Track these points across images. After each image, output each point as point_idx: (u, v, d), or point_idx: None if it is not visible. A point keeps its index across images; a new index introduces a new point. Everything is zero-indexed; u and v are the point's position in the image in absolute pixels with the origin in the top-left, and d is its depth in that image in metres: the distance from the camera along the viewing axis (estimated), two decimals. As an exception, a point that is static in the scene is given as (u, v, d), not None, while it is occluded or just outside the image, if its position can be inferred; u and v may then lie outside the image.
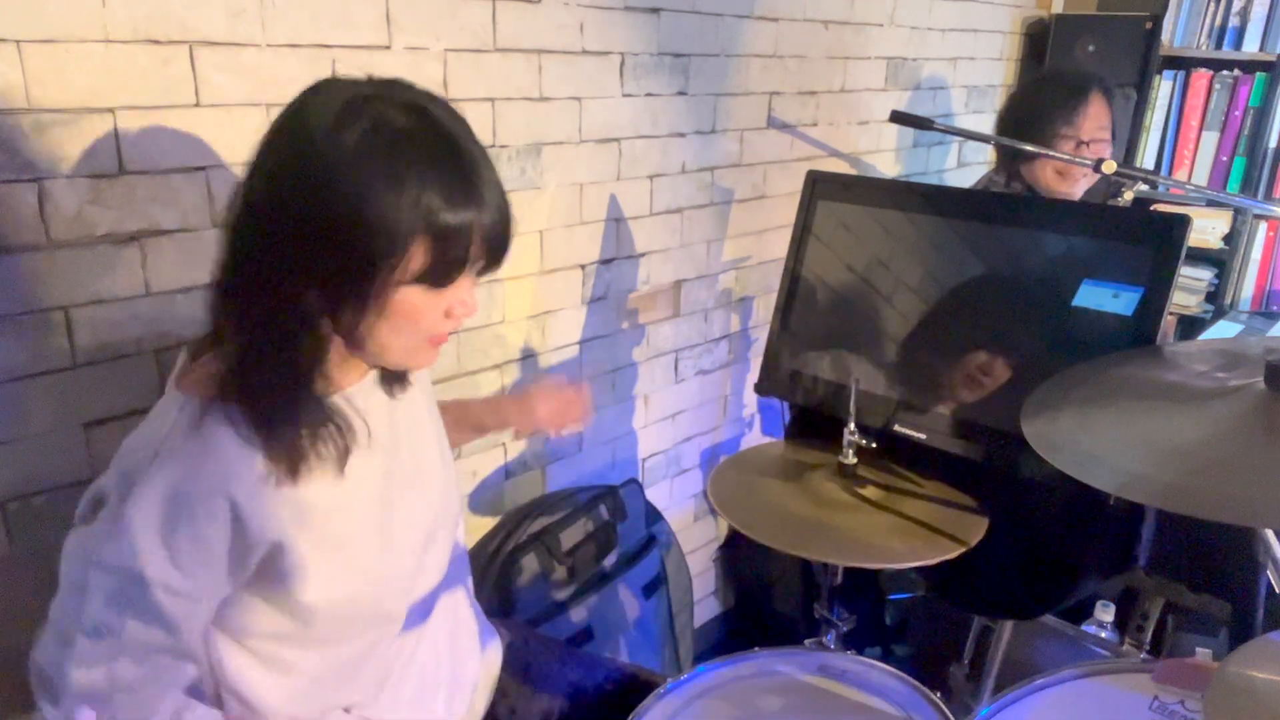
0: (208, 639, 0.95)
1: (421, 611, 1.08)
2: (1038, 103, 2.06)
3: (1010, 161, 2.10)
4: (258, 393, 0.87)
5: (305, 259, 0.84)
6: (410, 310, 0.88)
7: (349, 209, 0.82)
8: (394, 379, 1.05)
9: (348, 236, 0.82)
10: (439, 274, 0.87)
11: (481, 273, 0.93)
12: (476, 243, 0.88)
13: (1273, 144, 2.75)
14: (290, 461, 0.88)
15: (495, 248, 0.90)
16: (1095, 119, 2.02)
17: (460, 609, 1.19)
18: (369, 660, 1.02)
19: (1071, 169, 2.00)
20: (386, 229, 0.82)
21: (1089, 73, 2.14)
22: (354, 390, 0.98)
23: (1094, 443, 1.01)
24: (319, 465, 0.91)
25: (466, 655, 1.19)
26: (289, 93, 0.90)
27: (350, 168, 0.82)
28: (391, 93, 0.86)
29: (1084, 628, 1.73)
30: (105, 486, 0.89)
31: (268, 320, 0.86)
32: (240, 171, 1.27)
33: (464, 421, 1.33)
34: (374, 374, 1.02)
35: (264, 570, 0.91)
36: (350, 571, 0.95)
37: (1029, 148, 1.88)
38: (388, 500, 1.00)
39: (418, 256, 0.85)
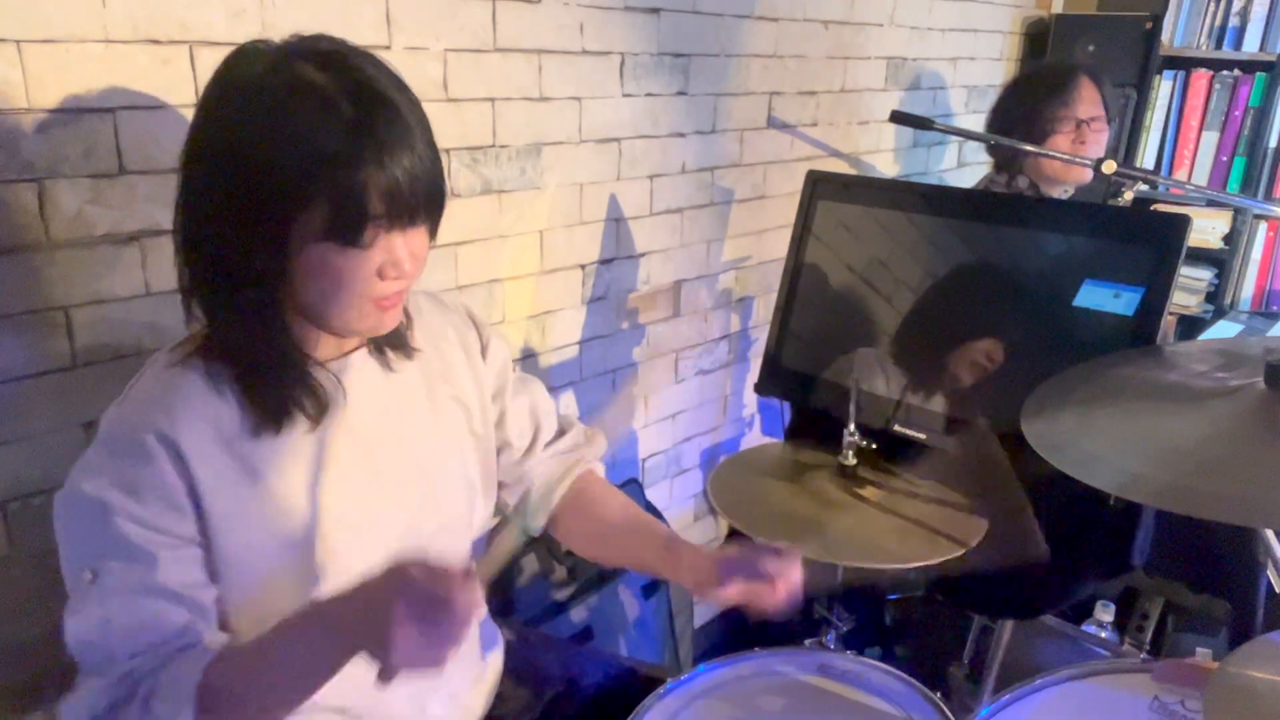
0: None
1: None
2: (1029, 91, 2.09)
3: (1009, 160, 2.10)
4: (231, 345, 0.91)
5: (220, 213, 0.86)
6: (331, 270, 0.87)
7: (250, 161, 0.83)
8: (387, 346, 1.03)
9: (249, 188, 0.84)
10: (342, 231, 0.85)
11: (403, 228, 0.88)
12: (376, 199, 0.84)
13: (1273, 144, 2.75)
14: (267, 412, 0.91)
15: (403, 203, 0.86)
16: (1088, 97, 2.06)
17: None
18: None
19: (1076, 151, 2.02)
20: (284, 182, 0.83)
21: (1072, 61, 2.19)
22: (341, 363, 0.99)
23: (1094, 443, 1.01)
24: (298, 421, 0.93)
25: (467, 656, 1.19)
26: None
27: (251, 119, 0.84)
28: (311, 45, 0.89)
29: (1084, 628, 1.73)
30: None
31: (212, 269, 0.89)
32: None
33: (649, 557, 1.18)
34: (364, 347, 1.01)
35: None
36: (286, 543, 0.94)
37: (1029, 148, 1.88)
38: (356, 481, 0.99)
39: (318, 212, 0.84)
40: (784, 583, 1.01)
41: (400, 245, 0.89)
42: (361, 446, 1.00)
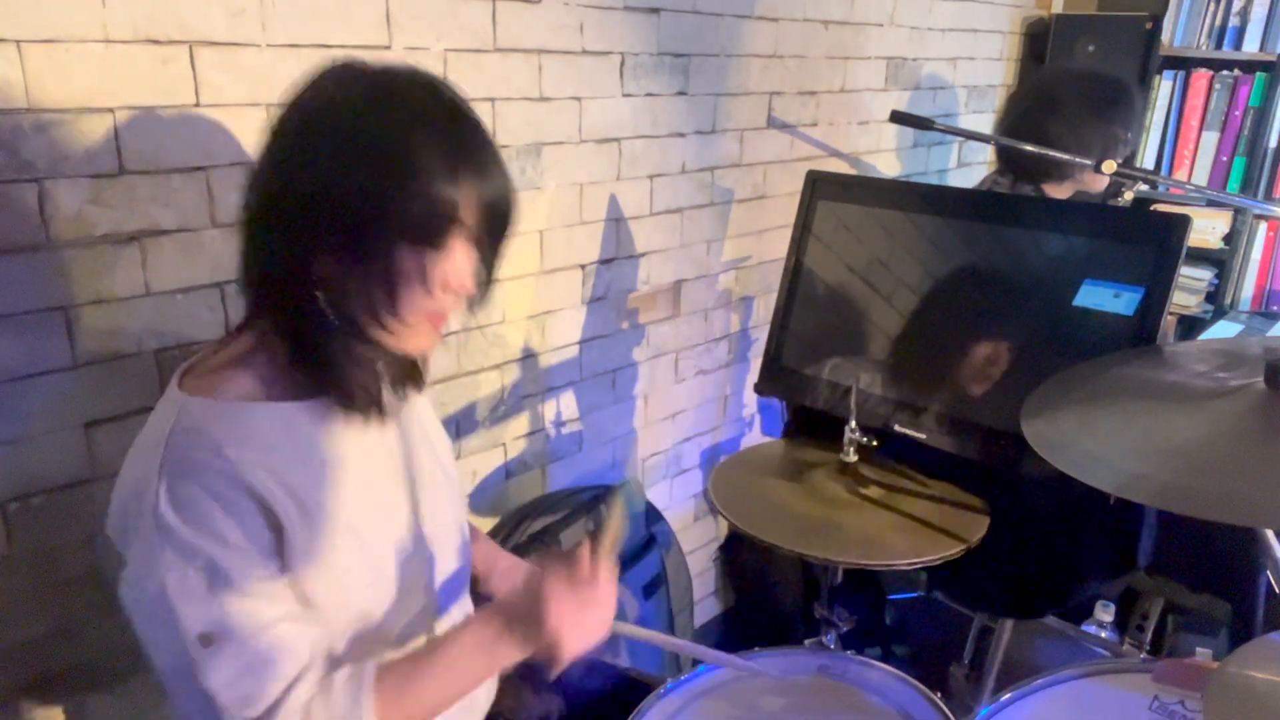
0: None
1: (425, 620, 1.08)
2: (1118, 114, 1.98)
3: (1014, 163, 2.06)
4: (305, 348, 0.91)
5: (310, 226, 0.86)
6: (406, 274, 0.88)
7: (343, 167, 0.84)
8: (403, 380, 1.05)
9: (344, 196, 0.85)
10: (429, 231, 0.87)
11: (477, 244, 0.91)
12: (471, 204, 0.88)
13: (1273, 144, 2.75)
14: (360, 404, 0.94)
15: (491, 215, 0.90)
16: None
17: (467, 607, 1.19)
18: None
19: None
20: (381, 185, 0.84)
21: (1105, 70, 2.11)
22: None
23: (1094, 443, 1.01)
24: (367, 405, 0.95)
25: None
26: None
27: (347, 128, 0.85)
28: (399, 67, 0.90)
29: (1084, 628, 1.73)
30: (122, 513, 0.90)
31: (291, 301, 0.89)
32: (240, 172, 1.28)
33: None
34: (385, 380, 1.03)
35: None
36: (328, 567, 0.95)
37: (1029, 147, 1.87)
38: (384, 504, 1.01)
39: (414, 213, 0.85)
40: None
41: (464, 258, 0.91)
42: (385, 473, 1.02)
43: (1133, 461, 0.95)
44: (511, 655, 0.93)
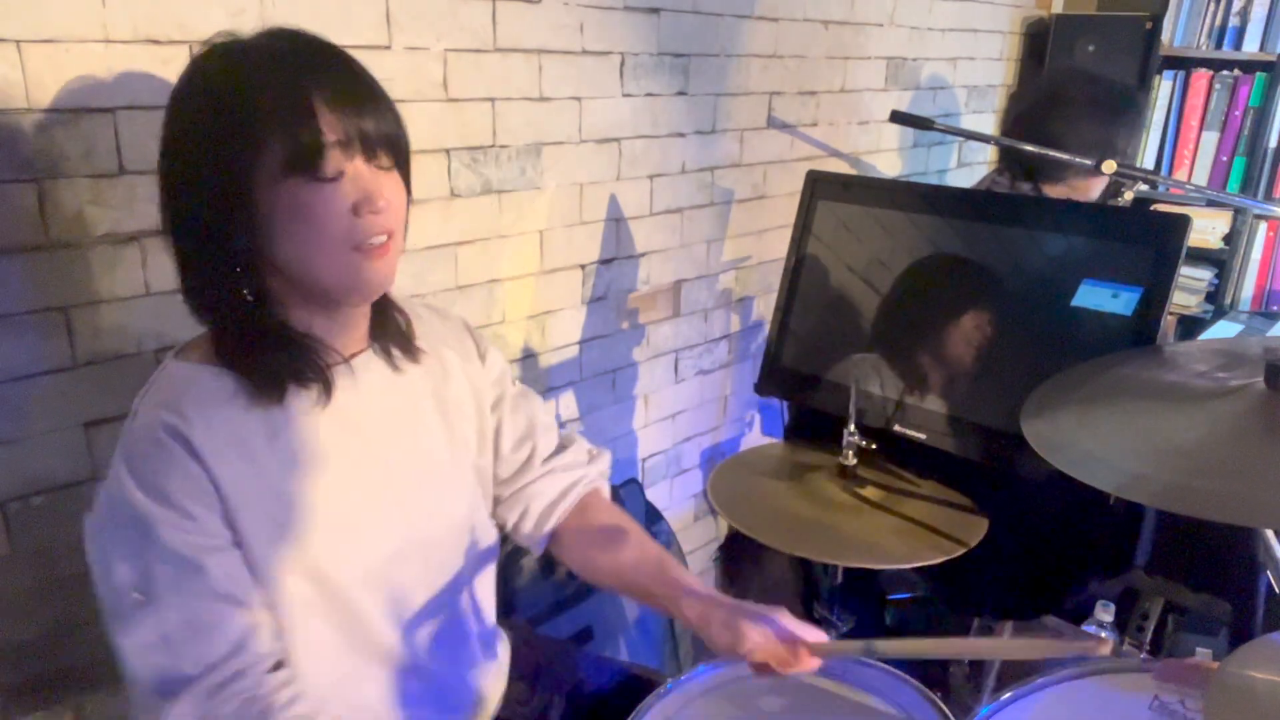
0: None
1: (408, 605, 1.07)
2: (1124, 122, 1.97)
3: (1014, 162, 2.06)
4: (224, 323, 0.93)
5: (188, 180, 0.90)
6: (303, 210, 0.87)
7: (206, 122, 0.88)
8: (391, 343, 1.04)
9: (210, 147, 0.87)
10: (302, 159, 0.86)
11: (367, 159, 0.89)
12: (327, 117, 0.86)
13: (1273, 144, 2.75)
14: (267, 379, 0.92)
15: (360, 131, 0.88)
16: None
17: (477, 612, 1.18)
18: (351, 635, 1.01)
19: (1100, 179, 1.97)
20: (237, 126, 0.85)
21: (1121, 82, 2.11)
22: (349, 364, 1.00)
23: (1094, 443, 1.01)
24: (302, 393, 0.94)
25: (476, 659, 1.18)
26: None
27: (199, 81, 0.90)
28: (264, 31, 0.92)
29: (1084, 628, 1.73)
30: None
31: (194, 250, 0.92)
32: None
33: (651, 589, 1.13)
34: (371, 349, 1.02)
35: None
36: (290, 533, 0.94)
37: (1029, 148, 1.87)
38: (362, 477, 1.00)
39: (273, 145, 0.85)
40: (805, 651, 1.01)
41: (368, 178, 0.90)
42: (368, 444, 1.01)
43: (1133, 461, 0.95)
44: None
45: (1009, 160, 2.10)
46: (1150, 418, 1.03)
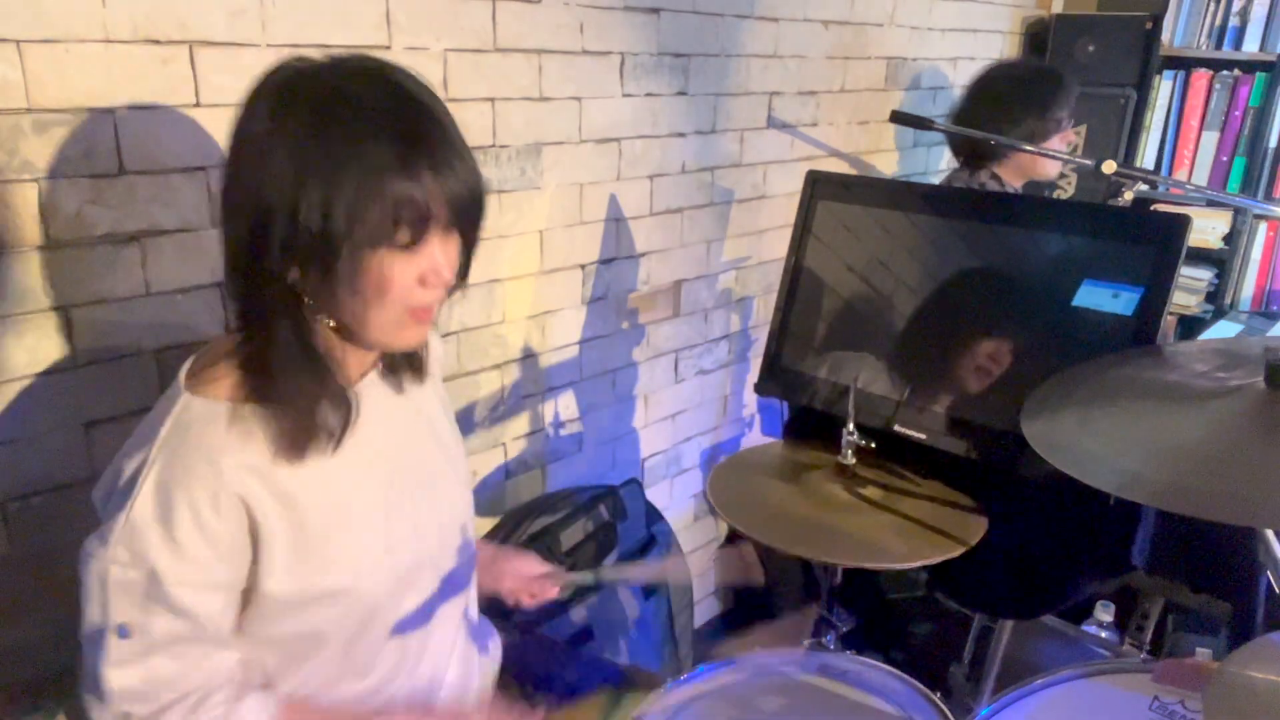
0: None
1: (424, 615, 1.08)
2: (1037, 92, 2.08)
3: (981, 155, 2.10)
4: (275, 381, 0.90)
5: (269, 240, 0.85)
6: (380, 279, 0.87)
7: (291, 181, 0.83)
8: (401, 369, 1.05)
9: (300, 210, 0.83)
10: (398, 234, 0.86)
11: (447, 234, 0.91)
12: (436, 199, 0.86)
13: (1273, 144, 2.75)
14: (298, 436, 0.91)
15: (458, 206, 0.89)
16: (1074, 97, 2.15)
17: (469, 611, 1.19)
18: (364, 654, 1.03)
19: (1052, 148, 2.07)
20: (338, 195, 0.83)
21: (1057, 63, 2.22)
22: (359, 386, 1.00)
23: (1094, 443, 1.01)
24: (322, 444, 0.93)
25: (470, 657, 1.19)
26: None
27: (297, 137, 0.83)
28: (346, 62, 0.88)
29: (1084, 628, 1.73)
30: (110, 486, 0.90)
31: (261, 309, 0.89)
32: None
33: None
34: (376, 369, 1.03)
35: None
36: (323, 564, 0.95)
37: (1028, 148, 1.88)
38: (380, 498, 1.01)
39: (375, 219, 0.84)
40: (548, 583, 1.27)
41: (440, 250, 0.90)
42: (379, 467, 1.02)
43: (1133, 461, 0.95)
44: None
45: (959, 152, 2.18)
46: (1150, 418, 1.03)
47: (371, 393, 1.02)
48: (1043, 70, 2.18)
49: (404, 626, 1.05)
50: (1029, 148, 1.89)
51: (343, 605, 0.98)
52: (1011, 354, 1.39)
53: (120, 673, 0.87)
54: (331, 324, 0.93)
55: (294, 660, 0.99)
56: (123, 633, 0.87)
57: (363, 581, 0.98)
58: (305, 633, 0.97)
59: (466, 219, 0.91)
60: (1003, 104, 2.08)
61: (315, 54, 0.89)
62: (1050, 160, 2.09)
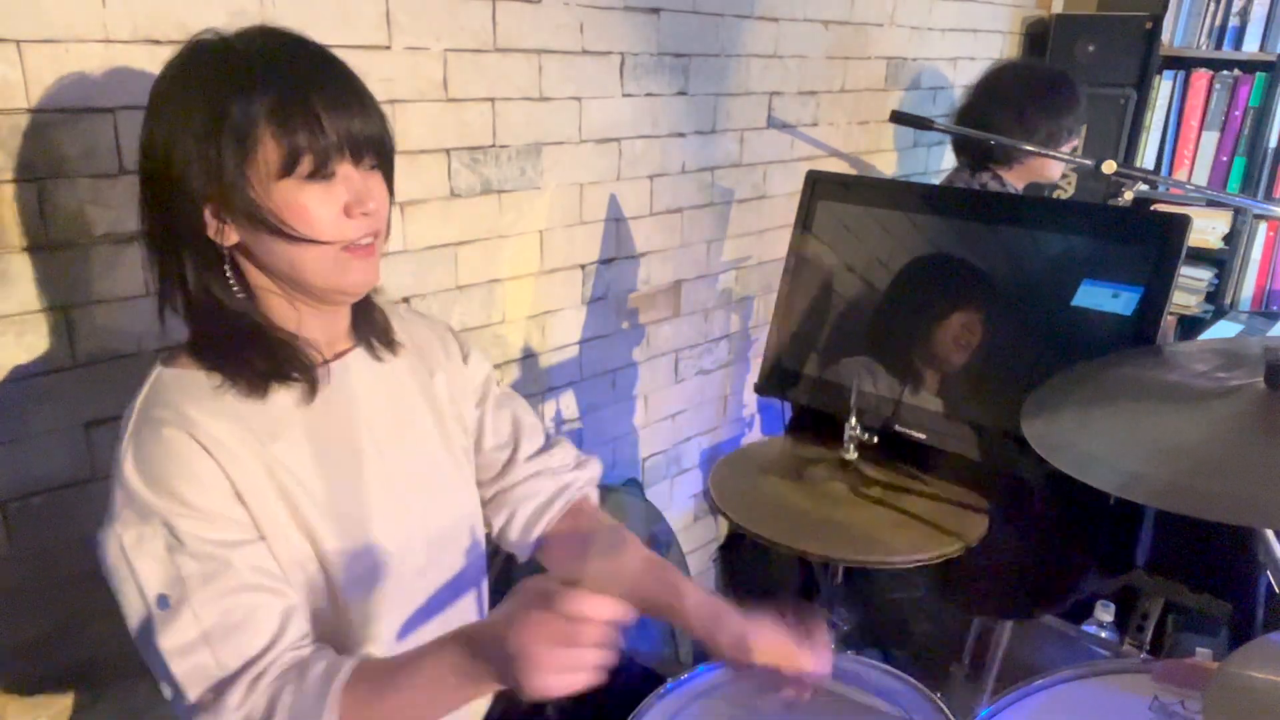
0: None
1: (422, 610, 1.08)
2: (1054, 99, 2.06)
3: (984, 158, 2.09)
4: (204, 323, 0.93)
5: (176, 178, 0.87)
6: (299, 211, 0.89)
7: (192, 114, 0.86)
8: (372, 336, 1.05)
9: (197, 142, 0.86)
10: (299, 165, 0.87)
11: (357, 162, 0.91)
12: (337, 129, 0.88)
13: (1273, 144, 2.75)
14: (249, 381, 0.92)
15: (361, 137, 0.90)
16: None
17: (465, 606, 1.18)
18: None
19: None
20: (229, 122, 0.85)
21: (1064, 65, 2.20)
22: (339, 362, 1.01)
23: (1094, 443, 1.01)
24: (284, 391, 0.94)
25: None
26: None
27: (190, 78, 0.88)
28: (249, 29, 0.91)
29: (1084, 628, 1.73)
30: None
31: (179, 250, 0.92)
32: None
33: (653, 594, 1.11)
34: (356, 346, 1.04)
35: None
36: (291, 532, 0.95)
37: (1028, 148, 1.88)
38: (359, 471, 1.00)
39: (268, 148, 0.86)
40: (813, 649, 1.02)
41: (358, 179, 0.91)
42: (367, 440, 1.01)
43: (1133, 461, 0.95)
44: (487, 684, 0.82)
45: (959, 151, 2.16)
46: (1150, 418, 1.03)
47: (355, 366, 1.02)
48: (1056, 75, 2.14)
49: (393, 608, 1.03)
50: (1028, 147, 1.89)
51: (319, 574, 0.96)
52: (978, 323, 1.39)
53: (173, 637, 0.84)
54: (275, 289, 0.94)
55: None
56: (163, 604, 0.85)
57: (336, 555, 0.96)
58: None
59: (375, 152, 0.93)
60: (1016, 107, 2.04)
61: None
62: (1055, 163, 2.09)
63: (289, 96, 0.86)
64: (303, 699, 0.84)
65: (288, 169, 0.87)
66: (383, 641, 1.03)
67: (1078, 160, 1.82)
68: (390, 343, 1.08)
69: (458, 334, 1.20)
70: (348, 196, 0.91)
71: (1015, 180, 2.10)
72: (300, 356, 0.96)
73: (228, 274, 0.92)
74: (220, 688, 0.84)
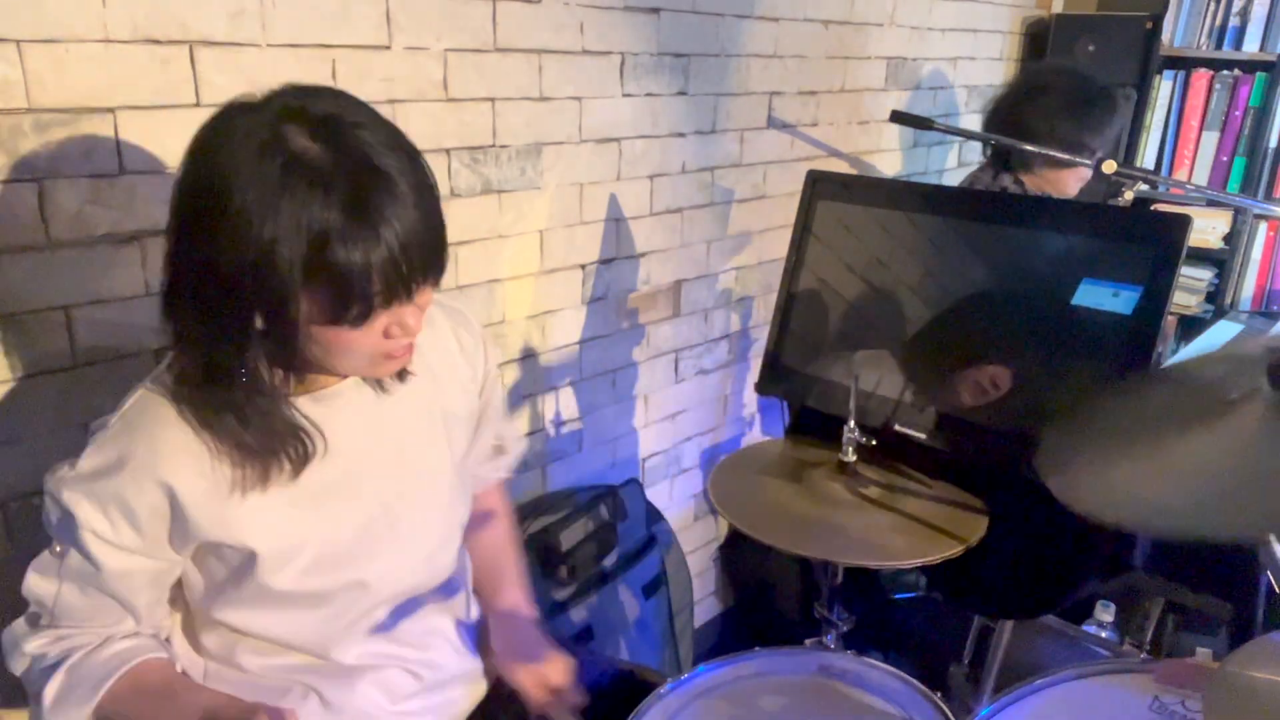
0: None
1: (421, 618, 1.08)
2: (1098, 116, 2.00)
3: (1011, 162, 2.08)
4: (218, 407, 0.90)
5: (221, 306, 0.83)
6: (341, 342, 0.86)
7: (246, 238, 0.78)
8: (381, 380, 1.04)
9: (246, 264, 0.79)
10: (344, 315, 0.83)
11: (403, 302, 0.86)
12: (377, 280, 0.82)
13: (1273, 144, 2.75)
14: (255, 468, 0.92)
15: (401, 278, 0.83)
16: None
17: (459, 608, 1.18)
18: (340, 638, 1.03)
19: (1080, 172, 2.00)
20: (282, 264, 0.79)
21: (1088, 72, 2.14)
22: (332, 391, 0.98)
23: (1120, 484, 0.97)
24: (279, 475, 0.93)
25: (460, 653, 1.18)
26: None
27: (246, 174, 0.79)
28: (305, 105, 0.83)
29: (1084, 628, 1.73)
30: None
31: (210, 342, 0.86)
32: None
33: (480, 582, 1.24)
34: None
35: (222, 557, 0.96)
36: (311, 567, 0.97)
37: (1028, 148, 1.88)
38: (343, 511, 1.00)
39: (315, 303, 0.82)
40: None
41: (406, 311, 0.88)
42: (351, 475, 1.00)
43: (1160, 492, 0.93)
44: None
45: (993, 153, 2.13)
46: (1168, 442, 1.00)
47: (347, 400, 0.99)
48: (1099, 90, 2.03)
49: (388, 623, 1.06)
50: (1028, 147, 1.89)
51: (308, 609, 0.99)
52: (1011, 378, 1.38)
53: (39, 579, 0.95)
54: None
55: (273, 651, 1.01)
56: (51, 550, 0.95)
57: (327, 586, 0.99)
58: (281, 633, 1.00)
59: (424, 275, 0.86)
60: (1051, 116, 1.97)
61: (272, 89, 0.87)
62: (1071, 180, 2.02)
63: (388, 268, 0.81)
64: (89, 668, 0.94)
65: (335, 320, 0.84)
66: (375, 647, 1.05)
67: (1078, 160, 1.82)
68: (402, 375, 1.02)
69: (472, 322, 1.16)
70: (389, 322, 0.87)
71: (1034, 187, 2.06)
72: (298, 447, 0.93)
73: (248, 358, 0.87)
74: (36, 623, 0.97)
